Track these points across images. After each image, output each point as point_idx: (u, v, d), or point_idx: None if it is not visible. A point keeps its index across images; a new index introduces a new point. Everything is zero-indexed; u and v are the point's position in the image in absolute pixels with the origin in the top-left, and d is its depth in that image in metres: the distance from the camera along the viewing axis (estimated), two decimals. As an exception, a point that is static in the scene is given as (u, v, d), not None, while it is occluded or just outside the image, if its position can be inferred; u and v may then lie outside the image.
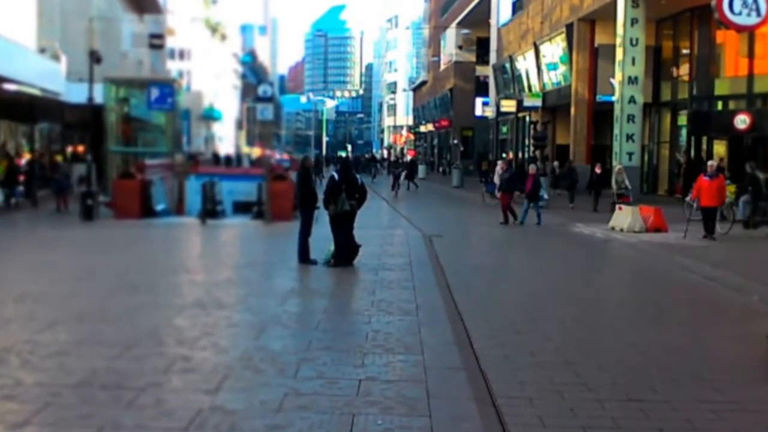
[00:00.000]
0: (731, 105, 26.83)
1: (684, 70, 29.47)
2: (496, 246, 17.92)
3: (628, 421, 5.68)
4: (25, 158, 28.96)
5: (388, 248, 14.80)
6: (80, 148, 35.43)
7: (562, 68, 36.45)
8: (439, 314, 8.94)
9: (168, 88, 25.46)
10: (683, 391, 6.52)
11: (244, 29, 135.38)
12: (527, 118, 42.37)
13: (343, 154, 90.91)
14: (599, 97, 32.39)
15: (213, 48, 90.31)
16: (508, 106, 43.10)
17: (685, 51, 29.59)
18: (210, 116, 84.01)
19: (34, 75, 25.81)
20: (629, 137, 27.47)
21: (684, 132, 29.72)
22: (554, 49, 37.34)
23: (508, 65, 46.35)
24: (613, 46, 28.53)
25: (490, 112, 51.09)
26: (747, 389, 6.58)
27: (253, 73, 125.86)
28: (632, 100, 27.42)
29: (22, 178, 25.36)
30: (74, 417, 5.26)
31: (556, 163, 33.45)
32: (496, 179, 27.16)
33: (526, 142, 43.43)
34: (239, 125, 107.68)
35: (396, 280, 11.09)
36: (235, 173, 29.62)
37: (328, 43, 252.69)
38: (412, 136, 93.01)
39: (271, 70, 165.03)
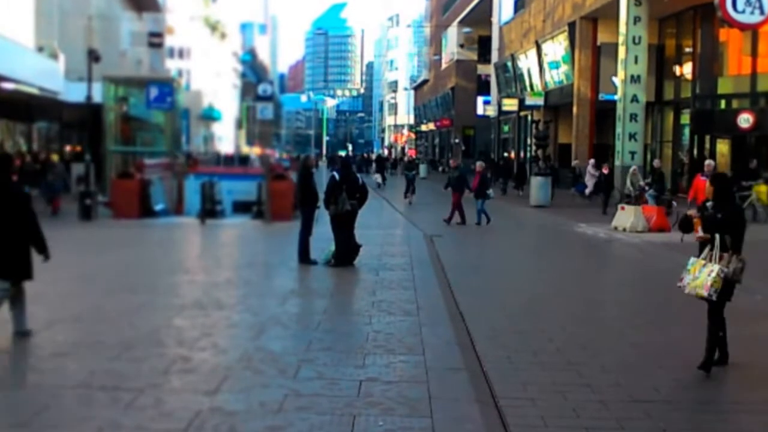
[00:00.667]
0: (734, 104, 26.77)
1: (687, 68, 29.38)
2: (497, 246, 17.86)
3: (631, 421, 5.63)
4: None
5: (389, 248, 14.76)
6: (78, 148, 35.35)
7: (564, 67, 36.38)
8: (441, 314, 8.91)
9: (167, 87, 25.45)
10: (687, 391, 6.48)
11: (244, 27, 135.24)
12: (529, 117, 42.30)
13: (343, 154, 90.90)
14: (602, 96, 32.31)
15: (212, 47, 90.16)
16: (510, 105, 43.08)
17: (688, 49, 29.50)
18: (210, 116, 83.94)
19: (32, 74, 25.72)
20: (632, 136, 27.39)
21: (687, 131, 29.63)
22: (556, 48, 37.28)
23: (509, 64, 46.30)
24: (616, 45, 28.42)
25: (491, 111, 51.13)
26: (751, 390, 6.54)
27: (253, 71, 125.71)
28: (635, 98, 27.34)
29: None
30: (73, 419, 5.22)
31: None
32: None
33: (528, 141, 43.37)
34: (239, 124, 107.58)
35: (397, 280, 11.05)
36: (235, 173, 29.54)
37: (329, 41, 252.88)
38: (413, 135, 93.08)
39: (271, 69, 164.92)
